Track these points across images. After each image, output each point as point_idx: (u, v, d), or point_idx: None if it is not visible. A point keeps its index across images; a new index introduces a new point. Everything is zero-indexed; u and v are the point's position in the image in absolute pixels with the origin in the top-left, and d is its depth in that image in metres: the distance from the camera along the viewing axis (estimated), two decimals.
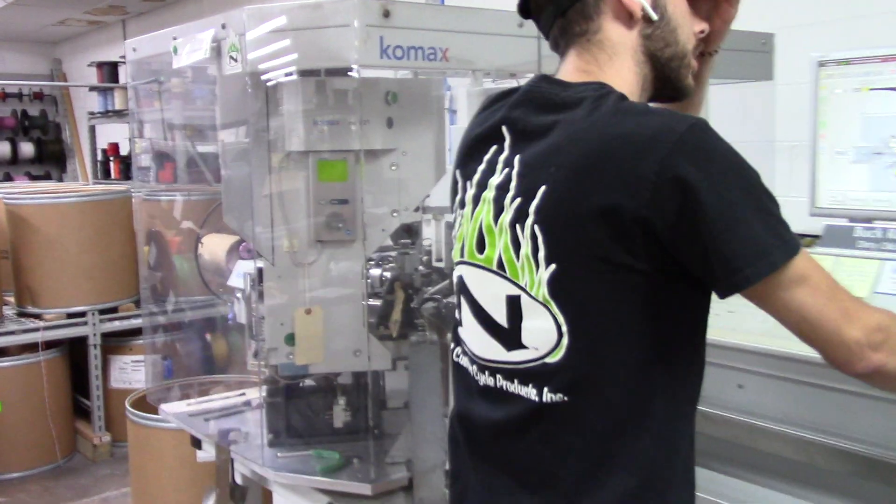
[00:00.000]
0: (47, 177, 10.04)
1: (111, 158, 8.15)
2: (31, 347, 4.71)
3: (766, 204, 1.13)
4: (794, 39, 2.62)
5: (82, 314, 4.80)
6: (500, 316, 1.27)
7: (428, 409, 2.02)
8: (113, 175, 8.05)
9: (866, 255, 1.86)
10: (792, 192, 2.02)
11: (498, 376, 1.29)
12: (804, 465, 1.65)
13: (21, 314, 4.78)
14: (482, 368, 1.32)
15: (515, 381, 1.26)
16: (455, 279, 1.40)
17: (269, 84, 2.08)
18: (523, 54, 1.92)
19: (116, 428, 4.89)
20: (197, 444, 2.47)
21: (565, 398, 1.20)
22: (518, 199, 1.24)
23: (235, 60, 1.93)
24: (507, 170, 1.28)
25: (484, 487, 1.32)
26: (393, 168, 2.15)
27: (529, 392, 1.23)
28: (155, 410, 3.59)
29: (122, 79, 7.59)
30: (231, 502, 2.38)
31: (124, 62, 7.62)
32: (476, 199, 1.32)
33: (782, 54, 2.49)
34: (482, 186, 1.31)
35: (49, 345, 4.75)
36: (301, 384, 2.23)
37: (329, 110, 2.09)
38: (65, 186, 6.43)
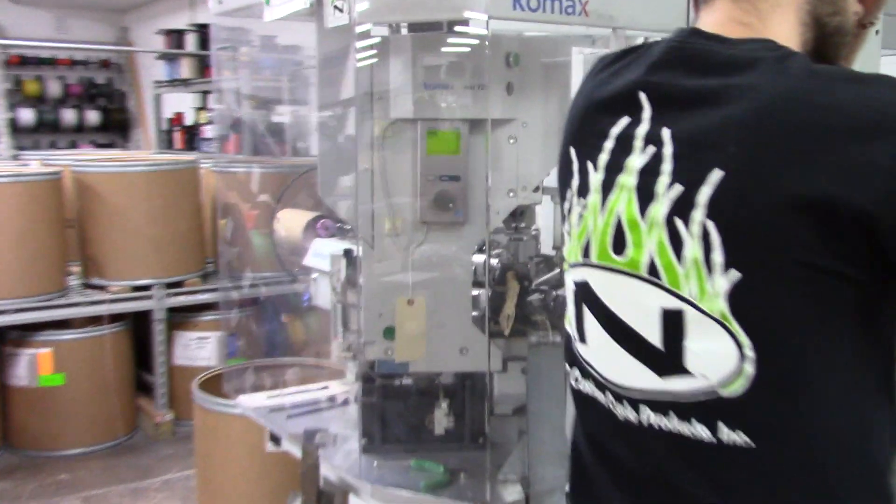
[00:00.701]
0: (111, 145, 9.97)
1: (175, 128, 8.00)
2: (96, 320, 4.55)
3: None
4: None
5: (147, 287, 4.62)
6: (652, 334, 0.99)
7: (548, 420, 1.76)
8: (176, 145, 7.91)
9: None
10: None
11: (645, 408, 1.01)
12: None
13: (86, 286, 4.62)
14: (620, 398, 1.04)
15: (673, 415, 0.98)
16: (571, 285, 1.12)
17: (375, 41, 1.81)
18: (671, 12, 1.62)
19: (179, 406, 4.72)
20: (276, 440, 2.24)
21: (750, 441, 0.93)
22: (677, 187, 0.96)
23: (341, 10, 1.67)
24: (652, 148, 0.99)
25: None
26: (511, 141, 1.88)
27: (696, 430, 0.96)
28: (223, 393, 3.42)
29: (189, 47, 7.42)
30: None
31: (192, 30, 7.46)
32: (606, 186, 1.04)
33: None
34: (615, 169, 1.03)
35: (114, 318, 4.59)
36: (399, 383, 1.98)
37: (441, 72, 1.82)
38: (132, 155, 6.28)
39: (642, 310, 1.00)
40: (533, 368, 1.76)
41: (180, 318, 4.83)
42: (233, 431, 3.32)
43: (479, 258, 2.01)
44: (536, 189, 1.91)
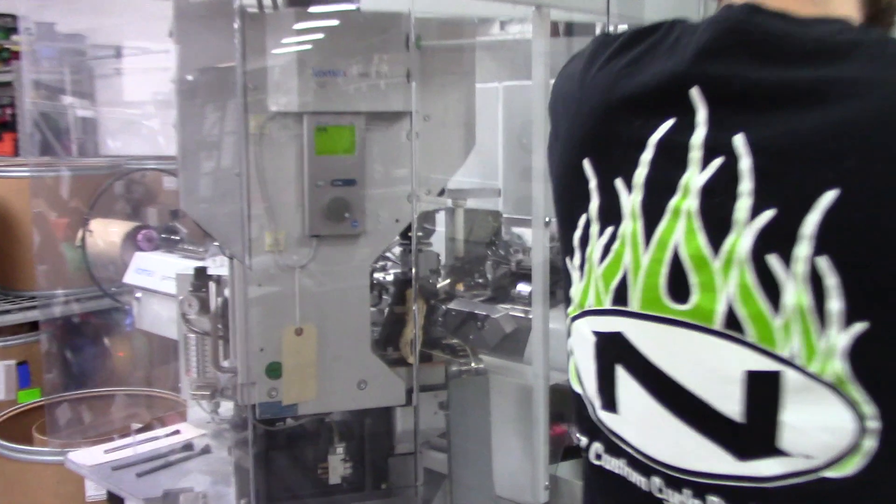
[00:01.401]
0: None
1: None
2: None
3: None
4: None
5: None
6: (729, 404, 0.76)
7: (473, 462, 1.51)
8: None
9: None
10: None
11: (715, 498, 0.79)
12: None
13: None
14: (677, 484, 0.81)
15: None
16: (589, 336, 0.88)
17: (249, 15, 1.48)
18: None
19: None
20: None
21: None
22: (767, 213, 0.74)
23: None
24: (718, 160, 0.77)
25: None
26: (411, 137, 1.61)
27: None
28: (25, 436, 2.89)
29: None
30: None
31: None
32: (651, 210, 0.80)
33: None
34: (662, 188, 0.79)
35: None
36: (282, 426, 1.65)
37: (333, 55, 1.52)
38: None
39: (714, 373, 0.76)
40: (455, 403, 1.51)
41: None
42: (43, 481, 2.81)
43: (376, 275, 1.74)
44: (441, 192, 1.65)
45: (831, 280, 0.69)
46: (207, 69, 1.54)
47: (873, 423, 0.70)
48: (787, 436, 0.74)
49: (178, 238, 2.85)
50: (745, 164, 0.74)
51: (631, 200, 0.81)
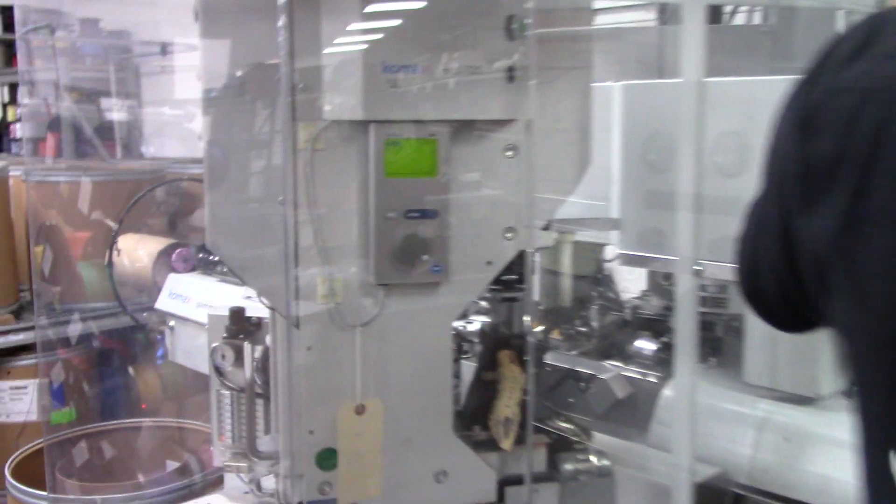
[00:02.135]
0: None
1: None
2: None
3: None
4: None
5: None
6: None
7: None
8: None
9: None
10: None
11: None
12: None
13: None
14: None
15: None
16: None
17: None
18: None
19: None
20: None
21: None
22: None
23: None
24: None
25: None
26: (509, 154, 1.22)
27: None
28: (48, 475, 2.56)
29: None
30: None
31: None
32: None
33: None
34: None
35: None
36: None
37: (409, 47, 1.14)
38: None
39: None
40: None
41: None
42: None
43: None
44: (546, 227, 1.26)
45: None
46: (244, 67, 1.17)
47: None
48: None
49: (216, 259, 2.50)
50: None
51: None
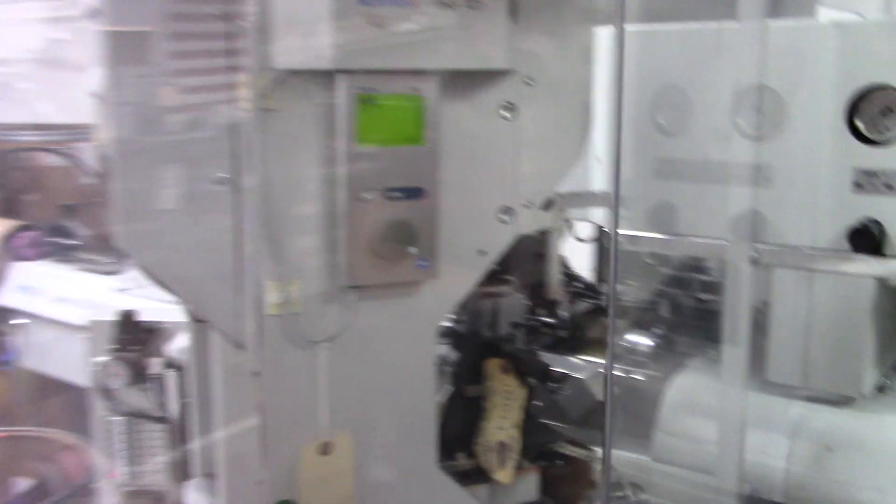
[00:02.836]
0: None
1: None
2: None
3: None
4: None
5: None
6: None
7: None
8: None
9: None
10: None
11: None
12: None
13: None
14: None
15: None
16: None
17: None
18: None
19: None
20: None
21: None
22: None
23: None
24: None
25: None
26: (505, 114, 0.97)
27: None
28: None
29: None
30: None
31: None
32: None
33: None
34: None
35: None
36: None
37: None
38: None
39: None
40: None
41: None
42: None
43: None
44: (549, 205, 1.02)
45: None
46: None
47: None
48: None
49: (73, 243, 2.10)
50: None
51: None
